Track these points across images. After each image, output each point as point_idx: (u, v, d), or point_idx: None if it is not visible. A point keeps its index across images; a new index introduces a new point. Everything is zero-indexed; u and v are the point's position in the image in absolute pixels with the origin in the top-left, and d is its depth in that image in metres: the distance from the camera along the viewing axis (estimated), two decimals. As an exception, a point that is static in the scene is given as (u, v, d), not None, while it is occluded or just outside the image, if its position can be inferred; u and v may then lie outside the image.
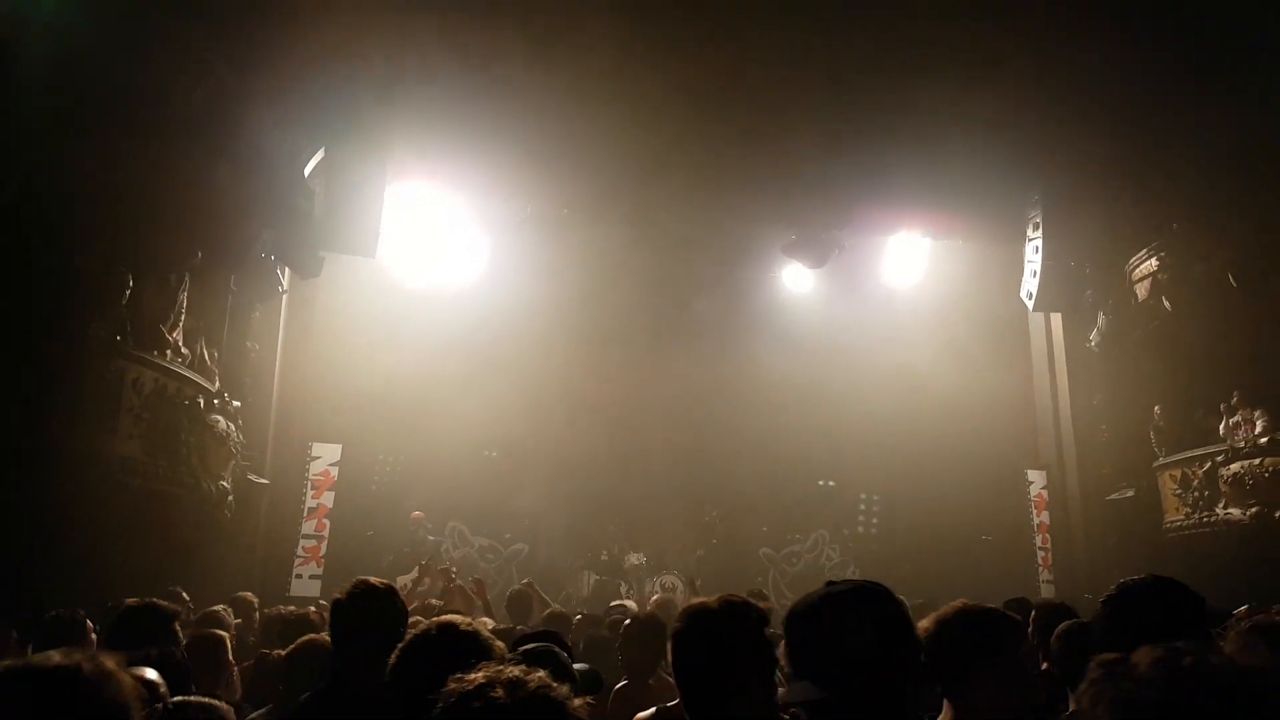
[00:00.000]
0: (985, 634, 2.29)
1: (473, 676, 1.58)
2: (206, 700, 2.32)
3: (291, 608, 5.72)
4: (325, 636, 3.92)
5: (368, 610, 3.03)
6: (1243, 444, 11.57)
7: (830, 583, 1.81)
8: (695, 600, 2.24)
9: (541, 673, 1.59)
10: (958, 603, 2.50)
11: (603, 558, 14.25)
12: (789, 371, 14.66)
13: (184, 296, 9.20)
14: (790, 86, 10.95)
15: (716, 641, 2.09)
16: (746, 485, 14.98)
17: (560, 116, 10.84)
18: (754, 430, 14.79)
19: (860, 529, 15.51)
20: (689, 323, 14.66)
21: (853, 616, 1.69)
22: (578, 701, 1.60)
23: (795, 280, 14.82)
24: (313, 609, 5.46)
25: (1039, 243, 13.56)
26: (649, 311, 14.33)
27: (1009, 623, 2.43)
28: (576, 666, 2.98)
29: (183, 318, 9.13)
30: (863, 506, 15.70)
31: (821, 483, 15.38)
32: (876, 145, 11.68)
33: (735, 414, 14.85)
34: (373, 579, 3.19)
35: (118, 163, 7.82)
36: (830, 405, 14.69)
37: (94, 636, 4.56)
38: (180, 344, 9.10)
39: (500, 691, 1.53)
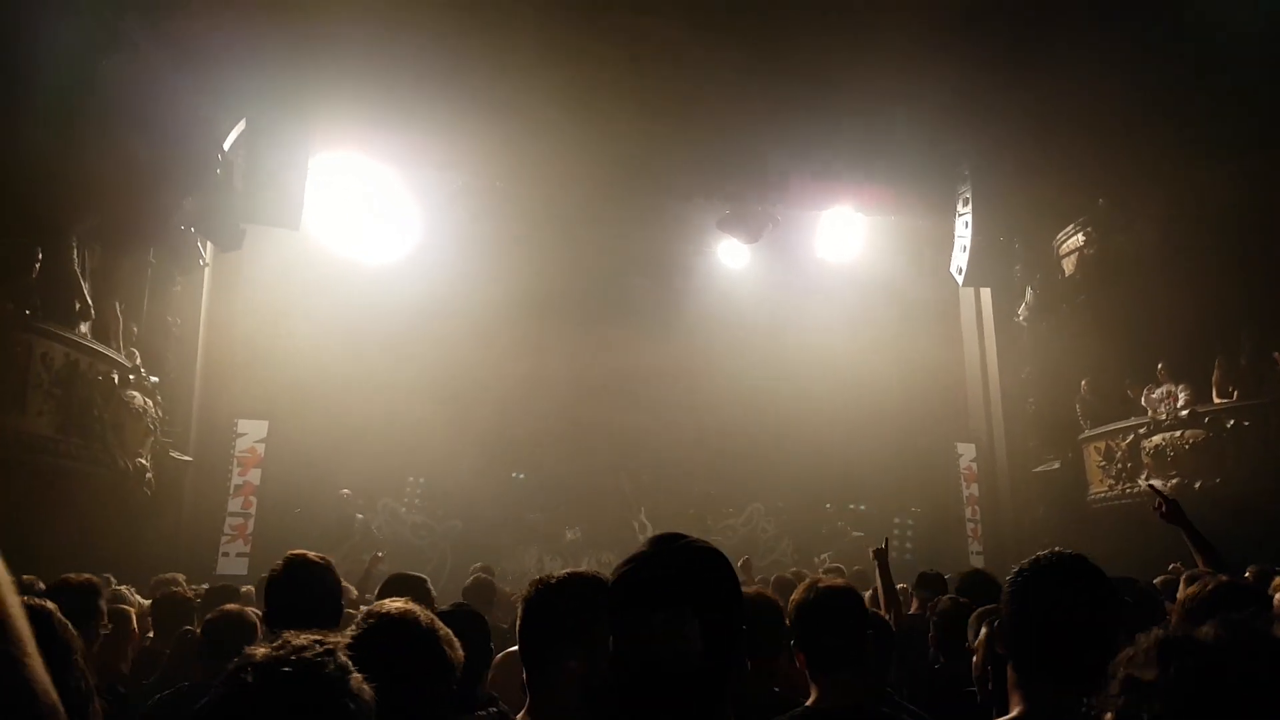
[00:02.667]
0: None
1: (259, 649, 1.46)
2: None
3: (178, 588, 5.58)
4: (249, 610, 3.79)
5: (303, 585, 2.87)
6: (1164, 417, 11.87)
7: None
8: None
9: (333, 644, 1.48)
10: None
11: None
12: (725, 346, 14.72)
13: (97, 269, 8.89)
14: (723, 59, 10.90)
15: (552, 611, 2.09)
16: (682, 460, 15.02)
17: (491, 87, 10.66)
18: (690, 405, 14.83)
19: (793, 502, 15.63)
20: (625, 298, 14.61)
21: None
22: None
23: (731, 256, 14.84)
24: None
25: (969, 218, 13.72)
26: (584, 287, 14.26)
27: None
28: None
29: (88, 290, 8.80)
30: (796, 479, 15.83)
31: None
32: (808, 119, 11.71)
33: (672, 389, 14.87)
34: (309, 552, 3.04)
35: (22, 133, 7.49)
36: (766, 379, 14.77)
37: None
38: (94, 318, 8.80)
39: (274, 664, 1.41)
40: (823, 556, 13.28)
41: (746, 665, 1.47)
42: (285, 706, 1.37)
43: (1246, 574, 5.31)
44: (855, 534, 13.72)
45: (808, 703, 2.44)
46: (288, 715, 1.36)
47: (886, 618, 4.27)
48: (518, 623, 2.18)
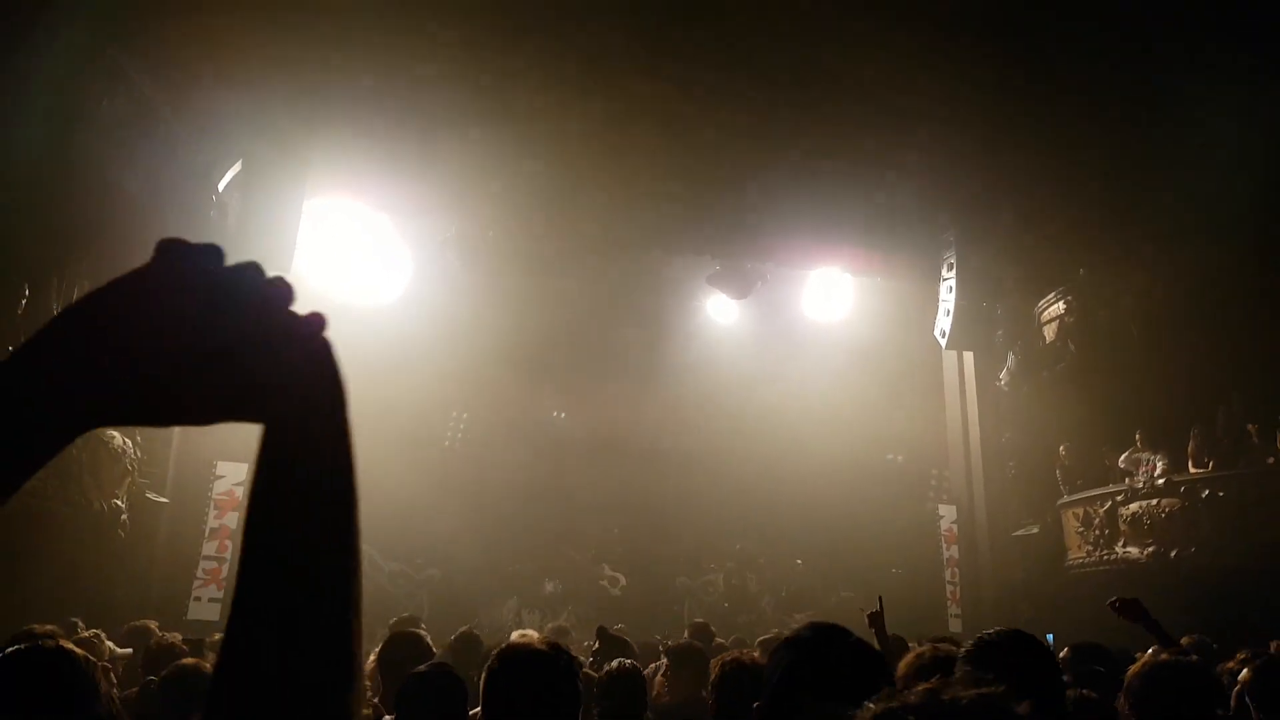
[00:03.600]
0: None
1: None
2: None
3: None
4: (201, 663, 3.75)
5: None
6: (1142, 485, 11.95)
7: None
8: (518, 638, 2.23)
9: None
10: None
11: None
12: (710, 400, 14.78)
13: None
14: (716, 121, 11.11)
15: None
16: (666, 513, 14.99)
17: (485, 138, 10.81)
18: (675, 459, 14.84)
19: (774, 558, 15.59)
20: (612, 351, 14.68)
21: None
22: None
23: (719, 312, 14.97)
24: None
25: (952, 283, 13.92)
26: (573, 338, 14.33)
27: None
28: None
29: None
30: (777, 535, 15.81)
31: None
32: (798, 181, 11.91)
33: (656, 441, 14.90)
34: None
35: (15, 170, 7.52)
36: (751, 435, 14.81)
37: None
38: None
39: None
40: (797, 617, 13.25)
41: None
42: None
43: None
44: (844, 594, 13.65)
45: None
46: None
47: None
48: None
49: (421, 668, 3.09)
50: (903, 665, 2.68)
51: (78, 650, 2.13)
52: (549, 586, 14.14)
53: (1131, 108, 10.73)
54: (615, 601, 13.96)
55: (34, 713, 1.91)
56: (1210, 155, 10.52)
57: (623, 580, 14.23)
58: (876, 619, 4.54)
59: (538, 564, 14.49)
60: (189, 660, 3.82)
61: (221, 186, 10.69)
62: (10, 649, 2.07)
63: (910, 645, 5.64)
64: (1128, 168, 11.24)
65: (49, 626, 3.74)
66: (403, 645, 3.84)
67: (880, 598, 4.70)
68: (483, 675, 2.14)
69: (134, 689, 4.77)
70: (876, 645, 4.49)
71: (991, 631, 2.18)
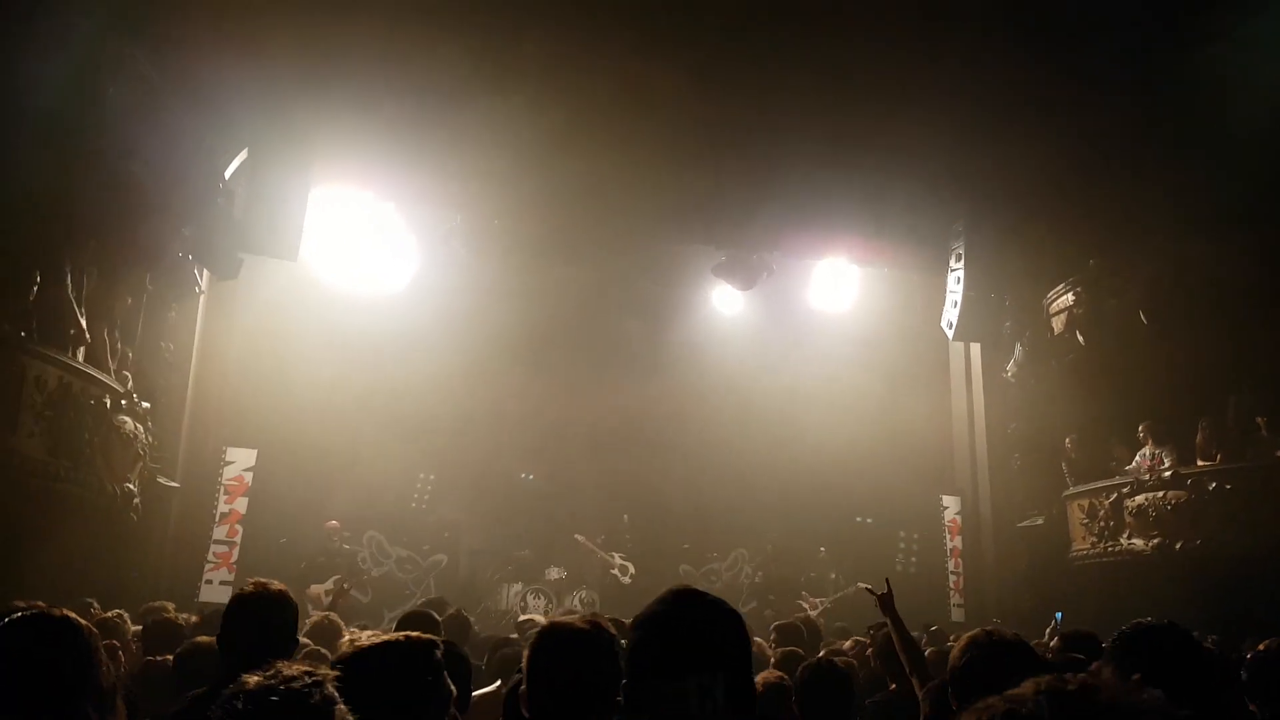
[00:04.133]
0: None
1: (252, 677, 1.57)
2: None
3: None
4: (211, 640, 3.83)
5: (258, 611, 3.00)
6: (1148, 477, 11.95)
7: None
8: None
9: (321, 676, 1.59)
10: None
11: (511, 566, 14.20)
12: (715, 391, 14.81)
13: (93, 294, 8.94)
14: (721, 109, 11.11)
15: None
16: (670, 502, 15.04)
17: (491, 126, 10.82)
18: (679, 449, 14.88)
19: (779, 548, 15.62)
20: (618, 340, 14.71)
21: None
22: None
23: (725, 302, 14.97)
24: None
25: (960, 273, 13.90)
26: (578, 327, 14.35)
27: None
28: None
29: (83, 315, 8.83)
30: (781, 525, 15.83)
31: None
32: (805, 171, 11.90)
33: (662, 432, 14.93)
34: (271, 582, 3.14)
35: (23, 156, 7.59)
36: (756, 427, 14.83)
37: None
38: (89, 342, 8.84)
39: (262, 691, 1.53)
40: (813, 600, 13.32)
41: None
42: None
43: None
44: (861, 585, 13.66)
45: None
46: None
47: (910, 675, 4.19)
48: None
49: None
50: (957, 649, 2.74)
51: (80, 620, 2.20)
52: (554, 573, 14.21)
53: (1143, 97, 10.69)
54: (622, 589, 14.03)
55: (34, 676, 1.99)
56: (1222, 145, 10.49)
57: (631, 569, 14.28)
58: (887, 602, 4.49)
59: (543, 551, 14.56)
60: (203, 638, 3.89)
61: (228, 174, 10.74)
62: (15, 614, 2.16)
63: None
64: (1139, 158, 11.20)
65: (63, 611, 3.79)
66: (415, 624, 4.03)
67: (888, 581, 4.68)
68: (525, 653, 2.19)
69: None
70: (895, 635, 4.46)
71: (1135, 624, 2.20)
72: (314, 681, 1.57)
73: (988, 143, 11.58)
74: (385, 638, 2.19)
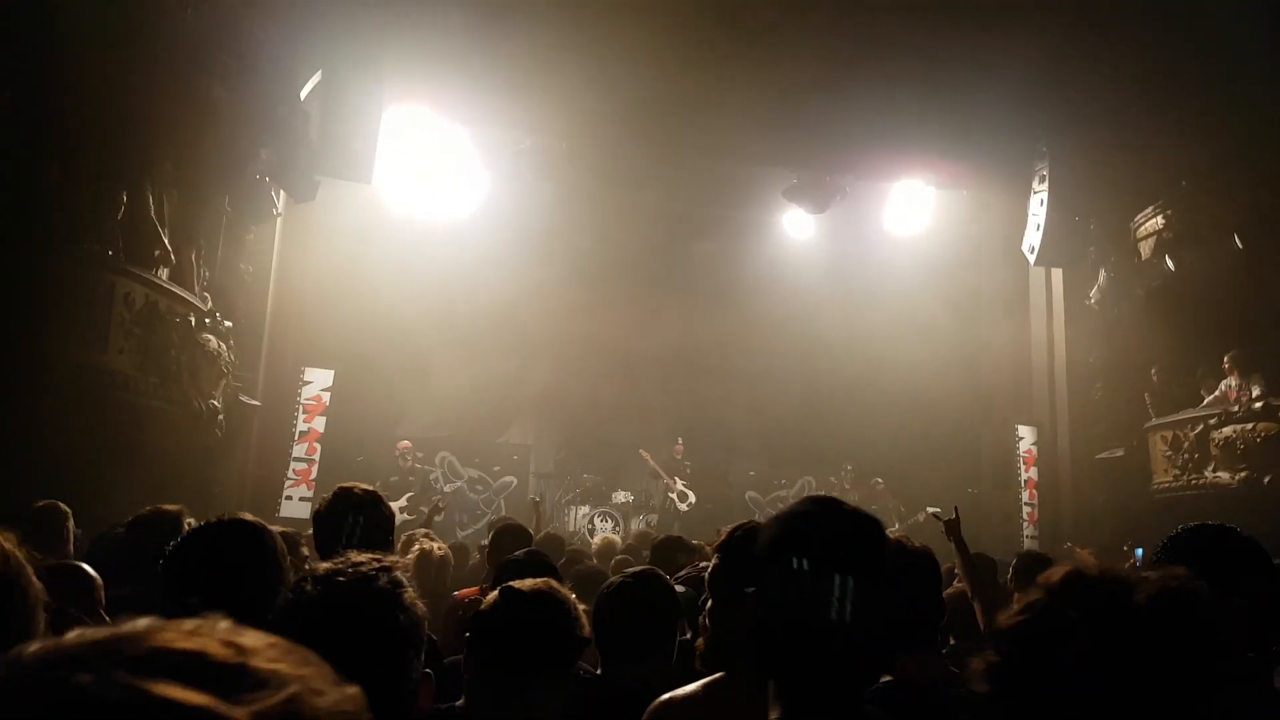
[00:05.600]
0: None
1: (323, 564, 1.63)
2: None
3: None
4: (172, 508, 3.87)
5: (351, 517, 2.99)
6: (1236, 408, 11.57)
7: None
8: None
9: (390, 563, 1.63)
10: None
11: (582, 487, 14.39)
12: (785, 317, 14.64)
13: (174, 215, 9.10)
14: (797, 24, 10.75)
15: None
16: (736, 426, 15.03)
17: (562, 47, 10.64)
18: (747, 374, 14.80)
19: (845, 477, 15.55)
20: (688, 264, 14.58)
21: None
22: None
23: (796, 226, 14.68)
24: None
25: (1044, 196, 13.40)
26: (647, 251, 14.24)
27: None
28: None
29: (166, 236, 9.00)
30: (851, 454, 15.73)
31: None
32: (881, 89, 11.49)
33: (729, 357, 14.87)
34: (356, 485, 3.14)
35: (110, 75, 7.67)
36: (825, 352, 14.68)
37: (71, 530, 4.64)
38: (172, 262, 9.03)
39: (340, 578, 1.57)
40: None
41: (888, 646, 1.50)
42: (340, 613, 1.52)
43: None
44: (931, 509, 13.56)
45: (885, 677, 2.40)
46: (342, 621, 1.51)
47: (970, 597, 4.20)
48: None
49: (518, 553, 3.49)
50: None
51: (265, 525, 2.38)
52: (621, 497, 14.37)
53: (1240, 14, 10.08)
54: (684, 515, 14.15)
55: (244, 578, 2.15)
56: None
57: (692, 497, 14.36)
58: (954, 528, 4.51)
59: (610, 475, 14.73)
60: (170, 506, 3.92)
61: (303, 95, 10.75)
62: (216, 519, 2.36)
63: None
64: (1234, 76, 10.59)
65: (174, 506, 3.91)
66: (507, 535, 4.20)
67: (955, 508, 4.69)
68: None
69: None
70: (959, 558, 4.48)
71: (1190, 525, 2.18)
72: (382, 566, 1.60)
73: (1076, 59, 11.08)
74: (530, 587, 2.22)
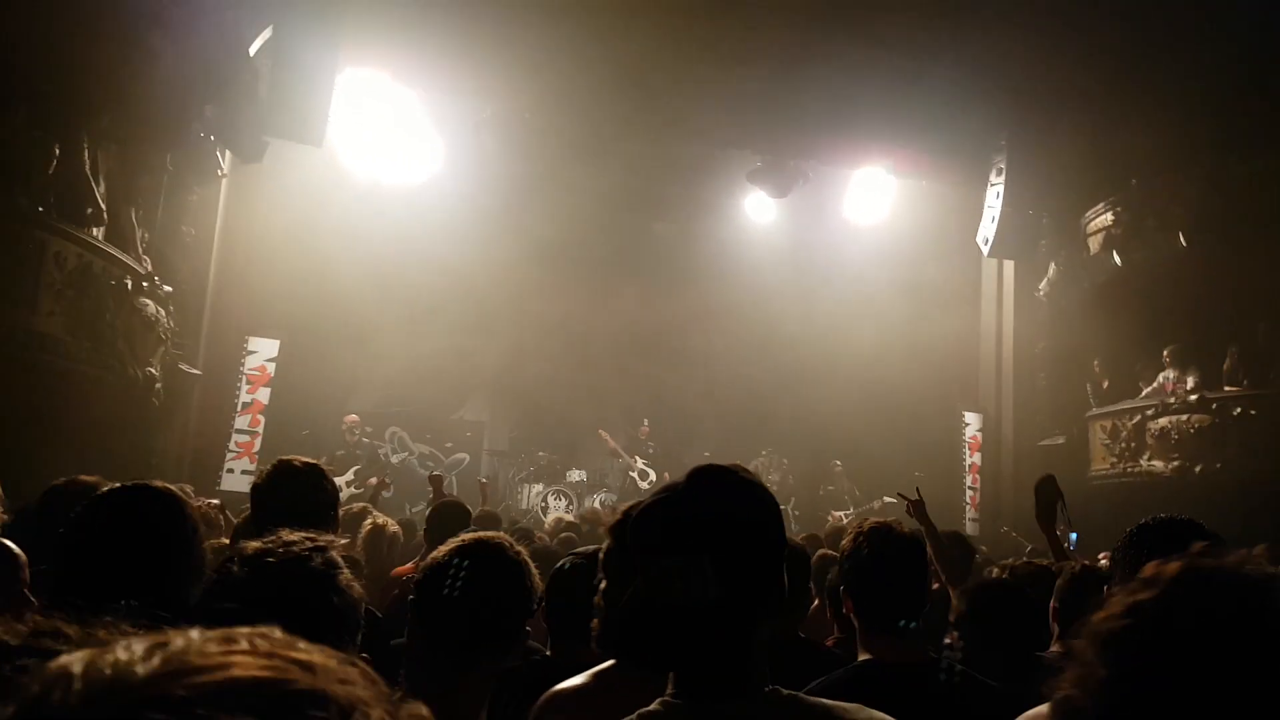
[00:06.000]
0: None
1: (252, 543, 1.52)
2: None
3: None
4: (89, 479, 3.66)
5: (289, 492, 2.85)
6: (1173, 400, 11.86)
7: None
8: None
9: (324, 542, 1.53)
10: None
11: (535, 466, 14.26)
12: (743, 301, 14.61)
13: (112, 172, 8.74)
14: (763, 6, 10.65)
15: None
16: (692, 408, 15.00)
17: (525, 15, 10.41)
18: (704, 356, 14.76)
19: (799, 459, 15.63)
20: (648, 244, 14.46)
21: None
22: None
23: (757, 210, 14.63)
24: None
25: (1000, 188, 13.57)
26: (607, 229, 14.07)
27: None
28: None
29: (102, 193, 8.63)
30: (803, 436, 15.81)
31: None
32: (847, 75, 11.48)
33: (687, 339, 14.80)
34: (295, 458, 2.99)
35: (42, 18, 7.30)
36: (781, 336, 14.69)
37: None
38: (107, 222, 8.67)
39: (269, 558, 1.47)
40: (838, 514, 13.34)
41: (777, 608, 1.42)
42: (268, 595, 1.41)
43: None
44: (887, 499, 13.68)
45: (863, 656, 2.37)
46: (271, 603, 1.39)
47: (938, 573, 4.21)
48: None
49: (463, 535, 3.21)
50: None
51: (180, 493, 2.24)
52: (576, 475, 14.28)
53: (1190, 16, 10.25)
54: (641, 493, 14.09)
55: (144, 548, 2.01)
56: (1271, 67, 10.14)
57: (652, 475, 14.30)
58: (919, 509, 4.52)
59: (565, 454, 14.62)
60: (89, 478, 3.71)
61: (253, 52, 10.37)
62: (125, 486, 2.19)
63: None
64: (1186, 78, 10.76)
65: (92, 478, 3.70)
66: (446, 514, 4.05)
67: (918, 488, 4.69)
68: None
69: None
70: (927, 538, 4.46)
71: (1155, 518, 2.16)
72: (316, 546, 1.50)
73: (1034, 57, 11.19)
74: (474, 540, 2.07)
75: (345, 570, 1.51)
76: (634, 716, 1.38)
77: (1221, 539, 2.24)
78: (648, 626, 1.36)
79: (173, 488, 2.24)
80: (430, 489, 6.28)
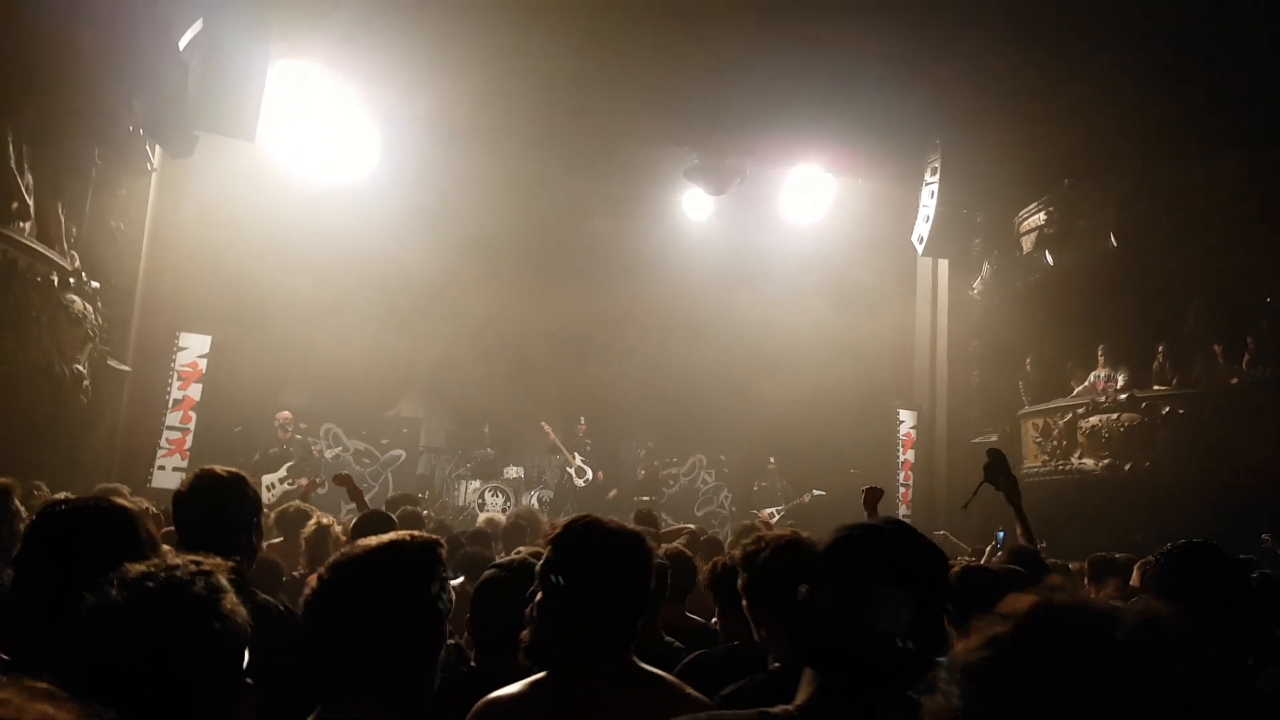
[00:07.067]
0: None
1: (135, 566, 1.51)
2: None
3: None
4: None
5: (211, 501, 2.81)
6: (1103, 399, 12.16)
7: None
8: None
9: (211, 566, 1.53)
10: None
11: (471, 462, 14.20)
12: (679, 298, 14.68)
13: (37, 166, 8.49)
14: (699, 5, 10.70)
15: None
16: (628, 405, 15.04)
17: (461, 10, 10.32)
18: (640, 354, 14.80)
19: (735, 456, 15.79)
20: (584, 242, 14.43)
21: None
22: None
23: (694, 207, 14.69)
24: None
25: (935, 188, 13.77)
26: (543, 227, 14.03)
27: None
28: None
29: (27, 187, 8.38)
30: (740, 433, 15.96)
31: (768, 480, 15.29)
32: (782, 74, 11.58)
33: (622, 336, 14.82)
34: (217, 468, 2.96)
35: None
36: (717, 334, 14.78)
37: None
38: (32, 217, 8.42)
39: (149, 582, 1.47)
40: (769, 511, 13.48)
41: (939, 651, 1.54)
42: (148, 622, 1.41)
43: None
44: (816, 492, 13.85)
45: (774, 665, 2.43)
46: (150, 630, 1.40)
47: None
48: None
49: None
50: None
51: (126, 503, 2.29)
52: (513, 472, 14.23)
53: (1123, 24, 10.50)
54: (577, 491, 14.11)
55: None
56: (1204, 70, 10.40)
57: (589, 474, 14.32)
58: (871, 500, 4.57)
59: (502, 450, 14.56)
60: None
61: (182, 45, 10.13)
62: (77, 501, 2.25)
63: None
64: (1116, 82, 11.04)
65: (3, 479, 3.63)
66: (370, 524, 3.99)
67: (880, 487, 4.78)
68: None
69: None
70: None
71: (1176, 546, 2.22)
72: (200, 570, 1.50)
73: (968, 57, 11.34)
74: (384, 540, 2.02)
75: (229, 594, 1.51)
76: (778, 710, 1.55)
77: (1239, 564, 2.34)
78: (836, 636, 1.54)
79: (125, 503, 2.29)
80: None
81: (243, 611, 1.50)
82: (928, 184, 13.90)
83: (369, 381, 14.15)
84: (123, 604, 1.43)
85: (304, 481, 11.55)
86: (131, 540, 2.11)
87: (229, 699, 1.47)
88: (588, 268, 14.45)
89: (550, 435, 14.24)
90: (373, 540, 1.85)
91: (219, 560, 1.56)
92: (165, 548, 2.21)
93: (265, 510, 3.77)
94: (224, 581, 1.51)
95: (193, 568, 1.49)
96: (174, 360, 11.54)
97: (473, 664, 2.87)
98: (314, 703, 1.76)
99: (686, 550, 4.45)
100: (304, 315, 12.59)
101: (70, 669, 1.36)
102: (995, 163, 13.22)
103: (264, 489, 10.26)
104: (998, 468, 4.28)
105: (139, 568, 1.48)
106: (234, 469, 2.95)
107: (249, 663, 1.51)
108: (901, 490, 14.69)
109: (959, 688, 1.07)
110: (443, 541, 1.89)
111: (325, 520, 5.18)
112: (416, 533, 1.90)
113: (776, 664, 2.42)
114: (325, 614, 1.77)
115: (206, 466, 2.97)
